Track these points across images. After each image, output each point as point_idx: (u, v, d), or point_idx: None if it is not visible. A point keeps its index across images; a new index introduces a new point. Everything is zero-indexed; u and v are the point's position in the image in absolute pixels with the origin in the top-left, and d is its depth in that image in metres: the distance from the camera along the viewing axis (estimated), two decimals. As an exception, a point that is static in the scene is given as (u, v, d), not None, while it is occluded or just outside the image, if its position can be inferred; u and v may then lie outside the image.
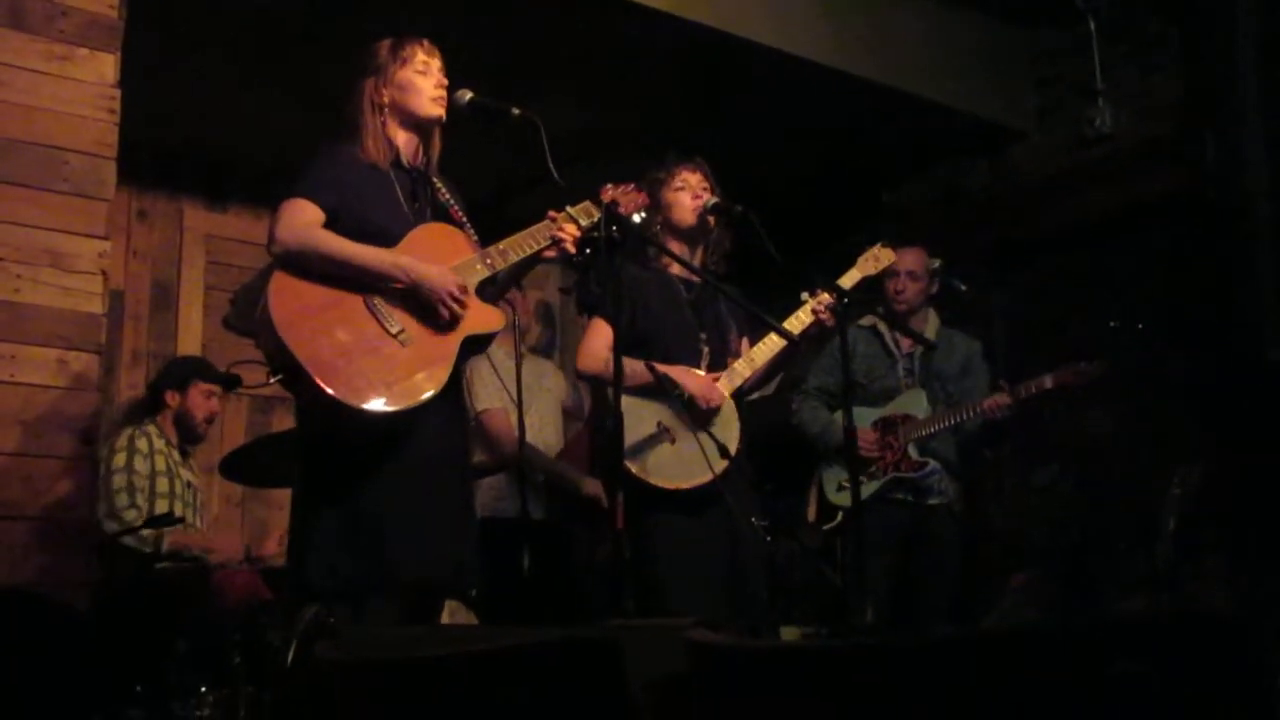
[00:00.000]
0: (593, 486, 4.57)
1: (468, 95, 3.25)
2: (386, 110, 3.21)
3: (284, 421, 5.79)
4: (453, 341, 3.09)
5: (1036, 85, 5.97)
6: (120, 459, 4.57)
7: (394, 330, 3.01)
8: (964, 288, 5.01)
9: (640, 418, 3.56)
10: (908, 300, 4.82)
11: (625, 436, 3.17)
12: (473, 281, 3.15)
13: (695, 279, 3.83)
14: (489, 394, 4.82)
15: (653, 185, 3.83)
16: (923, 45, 5.57)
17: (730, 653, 1.89)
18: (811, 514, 4.88)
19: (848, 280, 3.97)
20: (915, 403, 4.74)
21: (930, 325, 4.90)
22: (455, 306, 3.07)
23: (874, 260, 4.06)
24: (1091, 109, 5.67)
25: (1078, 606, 4.75)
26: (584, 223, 3.30)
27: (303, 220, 3.02)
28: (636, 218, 3.53)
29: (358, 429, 2.94)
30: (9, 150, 3.52)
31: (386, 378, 2.94)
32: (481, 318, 3.17)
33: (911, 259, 4.81)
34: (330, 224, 3.05)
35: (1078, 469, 5.57)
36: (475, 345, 3.18)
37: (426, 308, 3.07)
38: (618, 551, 2.97)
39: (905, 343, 4.85)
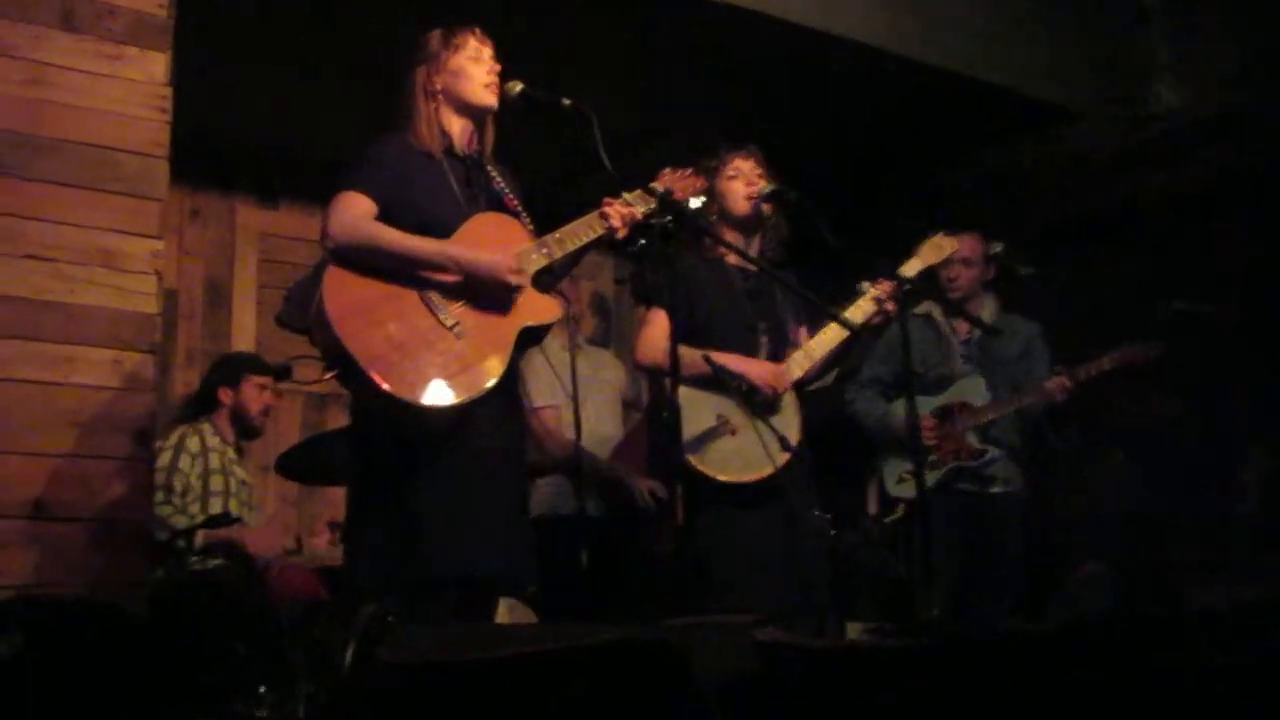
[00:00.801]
0: (646, 486, 4.54)
1: (518, 86, 3.24)
2: (440, 97, 3.21)
3: (339, 419, 5.79)
4: (509, 333, 3.08)
5: (1091, 63, 5.84)
6: (165, 458, 4.55)
7: (449, 323, 3.00)
8: (1027, 271, 4.90)
9: (699, 410, 3.54)
10: (962, 288, 4.75)
11: (684, 429, 3.15)
12: (531, 270, 3.13)
13: (752, 268, 3.79)
14: (543, 390, 4.79)
15: (705, 175, 3.79)
16: (974, 23, 5.46)
17: (800, 652, 1.83)
18: (872, 506, 4.92)
19: (909, 269, 3.91)
20: (973, 389, 4.67)
21: (988, 310, 4.82)
22: (514, 279, 3.05)
23: (936, 249, 4.00)
24: (1148, 86, 5.55)
25: (1148, 598, 4.66)
26: (640, 211, 3.28)
27: (355, 214, 3.01)
28: (694, 203, 3.51)
29: (412, 424, 2.93)
30: (61, 151, 3.50)
31: (441, 371, 2.93)
32: (538, 308, 3.15)
33: (967, 245, 4.72)
34: (383, 216, 3.03)
35: (1145, 454, 5.46)
36: (532, 336, 3.16)
37: (482, 299, 3.05)
38: (679, 547, 2.97)
39: (962, 328, 4.78)
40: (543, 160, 4.63)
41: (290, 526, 5.75)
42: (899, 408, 4.56)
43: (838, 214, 3.56)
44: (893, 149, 6.04)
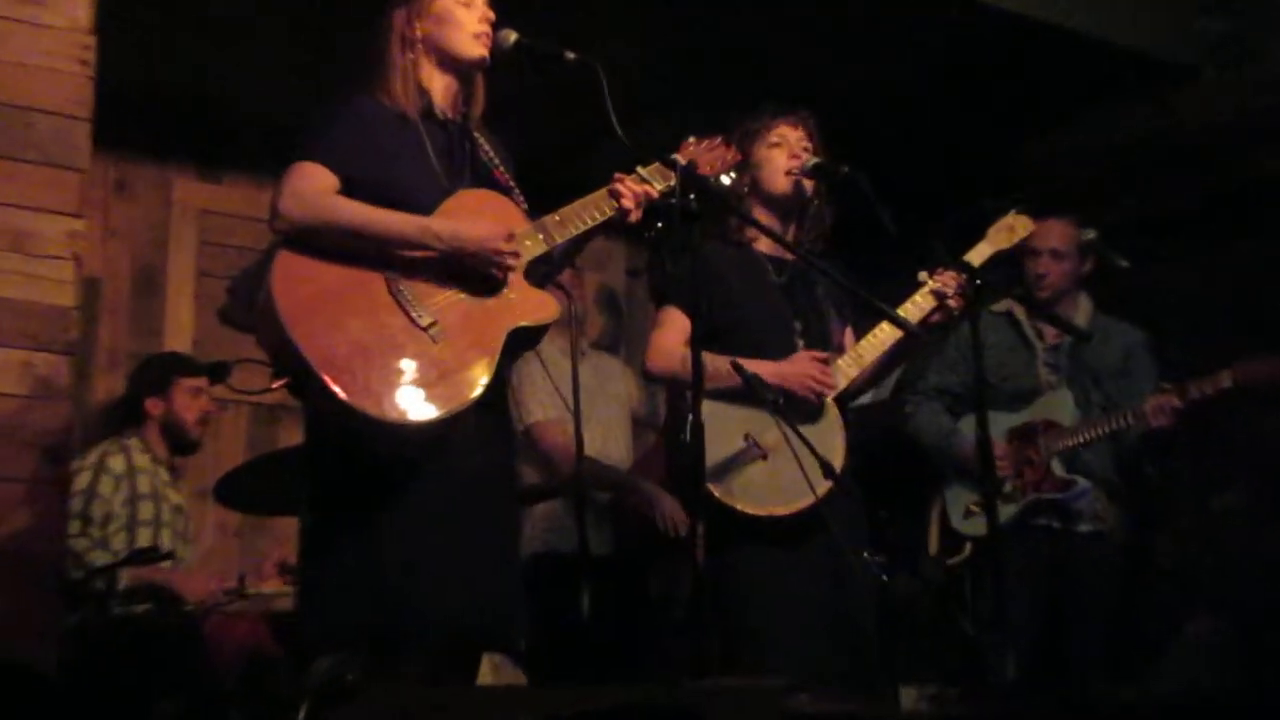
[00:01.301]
0: (670, 505, 4.55)
1: (512, 37, 3.24)
2: (419, 47, 3.22)
3: (292, 435, 5.78)
4: (497, 334, 3.07)
5: (1207, 13, 5.83)
6: (83, 480, 4.57)
7: (424, 321, 3.00)
8: (1124, 264, 4.91)
9: (724, 428, 3.54)
10: (1052, 285, 4.75)
11: (707, 451, 3.11)
12: (525, 259, 3.14)
13: (788, 257, 3.80)
14: (540, 402, 4.80)
15: (742, 139, 3.80)
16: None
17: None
18: (933, 545, 4.85)
19: (977, 256, 3.92)
20: (1060, 406, 4.67)
21: (1081, 311, 4.82)
22: (504, 260, 3.06)
23: (1008, 231, 4.00)
24: (1275, 40, 5.53)
25: (1269, 664, 4.63)
26: (657, 188, 3.28)
27: (312, 187, 3.02)
28: (725, 179, 3.51)
29: (379, 444, 2.93)
30: (-42, 110, 3.53)
31: (415, 380, 2.93)
32: (532, 305, 3.14)
33: (1057, 234, 4.72)
34: (346, 191, 3.05)
35: (1266, 491, 5.43)
36: (524, 339, 3.15)
37: (466, 291, 3.06)
38: (699, 593, 2.96)
39: (1049, 333, 4.78)
40: (542, 127, 4.65)
41: (232, 564, 5.74)
42: (968, 425, 4.52)
43: (900, 195, 3.56)
44: (969, 116, 6.01)
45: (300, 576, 3.16)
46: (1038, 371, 4.77)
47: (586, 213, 3.23)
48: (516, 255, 3.08)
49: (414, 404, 2.91)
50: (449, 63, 3.25)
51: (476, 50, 3.22)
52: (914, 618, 4.84)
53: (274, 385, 2.95)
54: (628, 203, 3.24)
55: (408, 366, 2.94)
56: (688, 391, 3.09)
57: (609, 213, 3.24)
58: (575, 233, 3.22)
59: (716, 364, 3.50)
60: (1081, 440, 4.60)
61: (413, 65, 3.21)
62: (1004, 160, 6.25)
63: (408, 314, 3.00)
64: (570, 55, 3.17)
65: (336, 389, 2.84)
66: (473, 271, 3.07)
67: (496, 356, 3.05)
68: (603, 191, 3.26)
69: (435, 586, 2.95)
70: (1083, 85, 5.88)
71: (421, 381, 2.93)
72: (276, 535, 5.70)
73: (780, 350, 3.72)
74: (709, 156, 3.50)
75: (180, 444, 4.91)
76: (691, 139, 3.51)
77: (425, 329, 2.99)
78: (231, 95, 5.72)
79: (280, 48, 5.28)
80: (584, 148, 4.28)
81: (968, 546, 4.67)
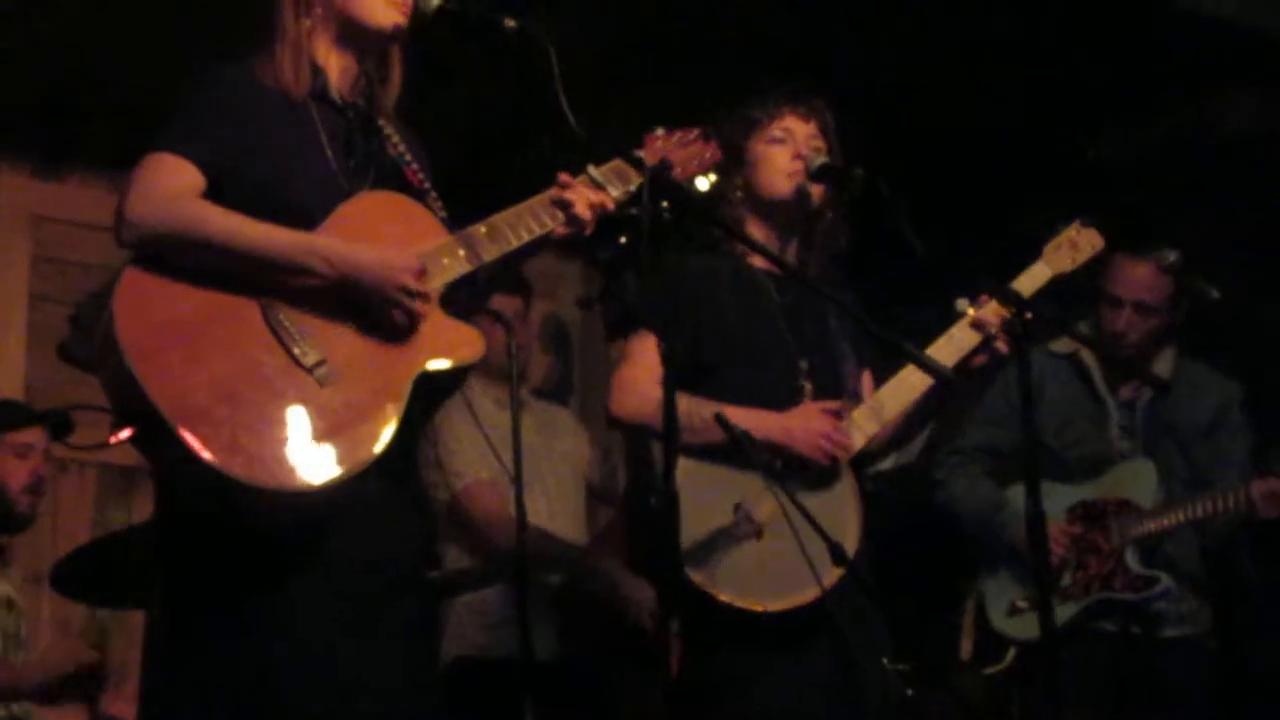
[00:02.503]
0: (639, 591, 4.56)
1: (435, 1, 3.22)
2: (318, 13, 3.21)
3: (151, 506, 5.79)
4: (401, 377, 3.04)
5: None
6: None
7: (309, 360, 2.96)
8: (1216, 295, 4.89)
9: (707, 496, 3.54)
10: (1134, 344, 4.78)
11: (684, 525, 3.07)
12: (439, 282, 3.11)
13: (791, 279, 3.80)
14: (470, 461, 4.82)
15: (737, 132, 3.83)
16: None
17: None
18: (966, 649, 4.92)
19: (1030, 282, 3.92)
20: (1139, 481, 4.70)
21: (1165, 360, 4.87)
22: (412, 302, 3.03)
23: (1071, 248, 3.99)
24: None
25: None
26: (615, 193, 3.28)
27: (169, 187, 2.98)
28: (702, 183, 3.52)
29: (249, 517, 2.87)
30: None
31: (297, 434, 2.89)
32: (448, 341, 3.12)
33: (1145, 282, 4.74)
34: (215, 193, 3.02)
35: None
36: (439, 385, 3.14)
37: (362, 323, 3.03)
38: (675, 708, 2.96)
39: (1126, 387, 4.82)
40: (472, 115, 4.63)
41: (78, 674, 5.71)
42: (1018, 497, 4.37)
43: (932, 204, 3.55)
44: (1027, 106, 6.08)
45: (142, 685, 3.14)
46: (1110, 434, 4.82)
47: (523, 224, 3.22)
48: (427, 298, 3.06)
49: (297, 465, 2.87)
50: (354, 35, 3.24)
51: (390, 17, 3.20)
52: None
53: (114, 439, 2.93)
54: (579, 210, 3.24)
55: (288, 416, 2.90)
56: (658, 445, 3.09)
57: (550, 225, 3.24)
58: (508, 249, 3.20)
59: (699, 410, 3.53)
60: (1165, 525, 4.62)
61: (307, 35, 3.20)
62: (1063, 161, 6.31)
63: (288, 350, 2.96)
64: (511, 24, 3.16)
65: (195, 444, 2.80)
66: (368, 301, 3.05)
67: (403, 404, 3.01)
68: (544, 197, 3.26)
69: (318, 703, 2.90)
70: (1180, 66, 5.91)
71: (306, 436, 2.90)
72: (131, 632, 5.64)
73: (781, 395, 3.74)
74: (683, 154, 3.51)
75: (5, 518, 4.84)
76: (660, 131, 3.52)
77: (310, 369, 2.96)
78: (77, 75, 5.70)
79: (142, 13, 5.25)
80: (522, 140, 4.29)
81: (1011, 652, 4.68)
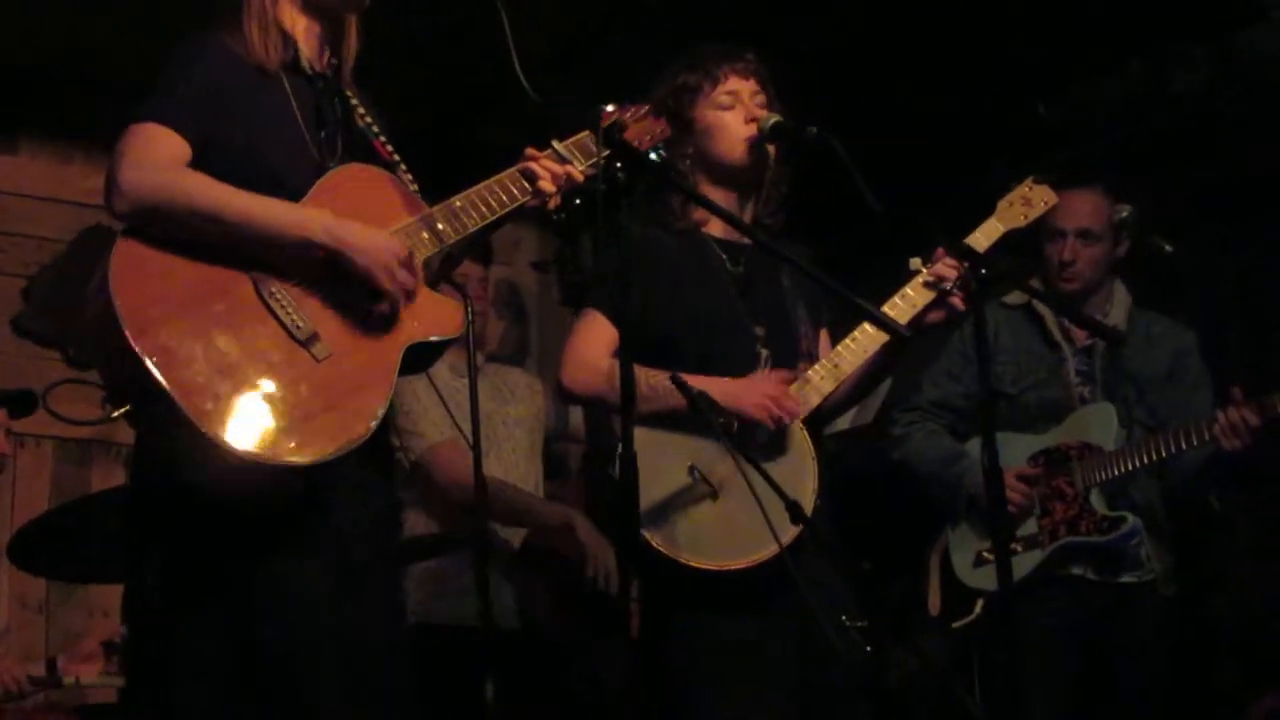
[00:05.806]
0: (601, 547, 4.63)
1: None
2: None
3: (108, 477, 5.80)
4: (392, 351, 3.11)
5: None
6: None
7: (302, 335, 3.02)
8: (1169, 248, 4.97)
9: (663, 460, 3.57)
10: (1080, 274, 4.83)
11: (642, 490, 3.11)
12: (419, 258, 3.18)
13: (745, 242, 3.84)
14: (434, 423, 4.85)
15: (679, 101, 3.85)
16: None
17: None
18: (934, 604, 4.90)
19: (984, 237, 3.97)
20: (1099, 424, 4.74)
21: (1118, 305, 4.91)
22: (406, 282, 3.09)
23: (1024, 204, 4.05)
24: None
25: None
26: (581, 166, 3.35)
27: (159, 156, 3.03)
28: (653, 155, 3.54)
29: (242, 491, 2.92)
30: None
31: (294, 410, 2.94)
32: (433, 314, 3.19)
33: (1085, 210, 4.81)
34: (200, 161, 3.07)
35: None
36: (422, 357, 3.21)
37: (349, 293, 3.09)
38: (634, 674, 3.02)
39: (1080, 332, 4.86)
40: (428, 84, 4.64)
41: (36, 646, 5.74)
42: (976, 448, 4.55)
43: (884, 162, 3.61)
44: (979, 63, 6.06)
45: (131, 659, 3.17)
46: (1068, 380, 4.84)
47: (494, 197, 3.28)
48: (414, 277, 3.11)
49: (295, 440, 2.92)
50: (317, 3, 3.29)
51: None
52: (908, 699, 4.90)
53: (112, 415, 2.92)
54: (546, 185, 3.31)
55: (285, 391, 2.95)
56: (615, 416, 3.12)
57: (521, 198, 3.30)
58: (481, 224, 3.27)
59: (653, 380, 3.54)
60: (1129, 467, 4.64)
61: (273, 5, 3.24)
62: (1016, 119, 6.30)
63: (282, 324, 3.01)
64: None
65: (199, 421, 2.83)
66: (359, 278, 3.08)
67: (393, 378, 3.08)
68: (513, 171, 3.31)
69: (311, 673, 2.97)
70: (1125, 26, 5.93)
71: (304, 411, 2.95)
72: (93, 607, 5.72)
73: (738, 361, 3.78)
74: (635, 130, 3.55)
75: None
76: (610, 107, 3.48)
77: (305, 344, 3.01)
78: (31, 37, 5.54)
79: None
80: (478, 111, 4.30)
81: (978, 605, 4.69)
